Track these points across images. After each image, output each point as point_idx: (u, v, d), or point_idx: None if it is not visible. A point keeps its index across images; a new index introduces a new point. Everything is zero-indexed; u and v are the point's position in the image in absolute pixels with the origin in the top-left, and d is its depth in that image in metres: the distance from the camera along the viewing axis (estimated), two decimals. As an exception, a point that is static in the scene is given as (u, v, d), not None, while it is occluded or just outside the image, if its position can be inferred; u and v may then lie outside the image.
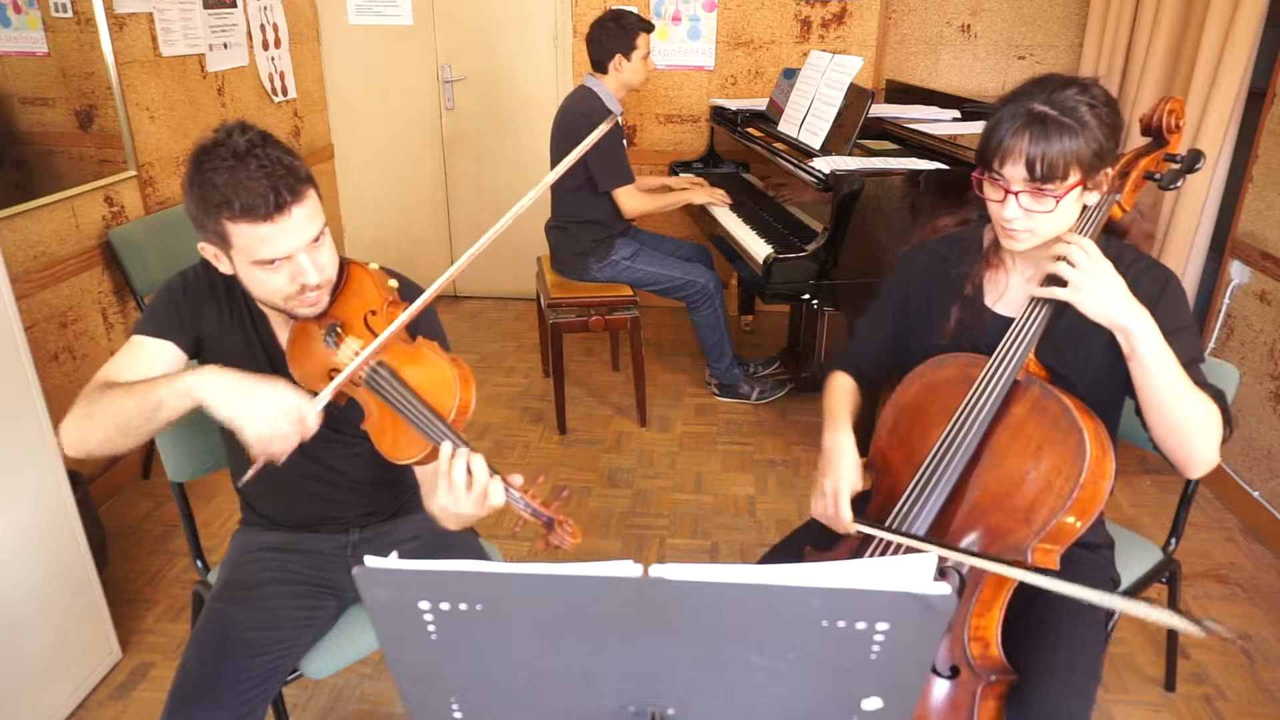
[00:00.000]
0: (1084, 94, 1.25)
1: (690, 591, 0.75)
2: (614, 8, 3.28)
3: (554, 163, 3.21)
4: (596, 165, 3.08)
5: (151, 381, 1.26)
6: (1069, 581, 1.37)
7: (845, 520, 1.34)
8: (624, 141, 3.18)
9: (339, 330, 1.33)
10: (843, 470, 1.38)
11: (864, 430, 3.16)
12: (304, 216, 1.24)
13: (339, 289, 1.35)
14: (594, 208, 3.15)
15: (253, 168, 1.19)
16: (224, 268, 1.32)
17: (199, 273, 1.44)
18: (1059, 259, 1.26)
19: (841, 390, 1.59)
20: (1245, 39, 2.72)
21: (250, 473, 1.23)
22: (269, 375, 1.24)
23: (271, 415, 1.19)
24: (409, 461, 1.26)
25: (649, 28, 3.12)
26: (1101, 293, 1.22)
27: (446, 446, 1.19)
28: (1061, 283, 1.26)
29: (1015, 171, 1.25)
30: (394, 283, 1.34)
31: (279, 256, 1.24)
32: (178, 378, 1.24)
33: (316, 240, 1.27)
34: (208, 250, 1.30)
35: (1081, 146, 1.23)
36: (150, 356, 1.38)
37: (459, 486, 1.17)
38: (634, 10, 3.17)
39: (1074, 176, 1.24)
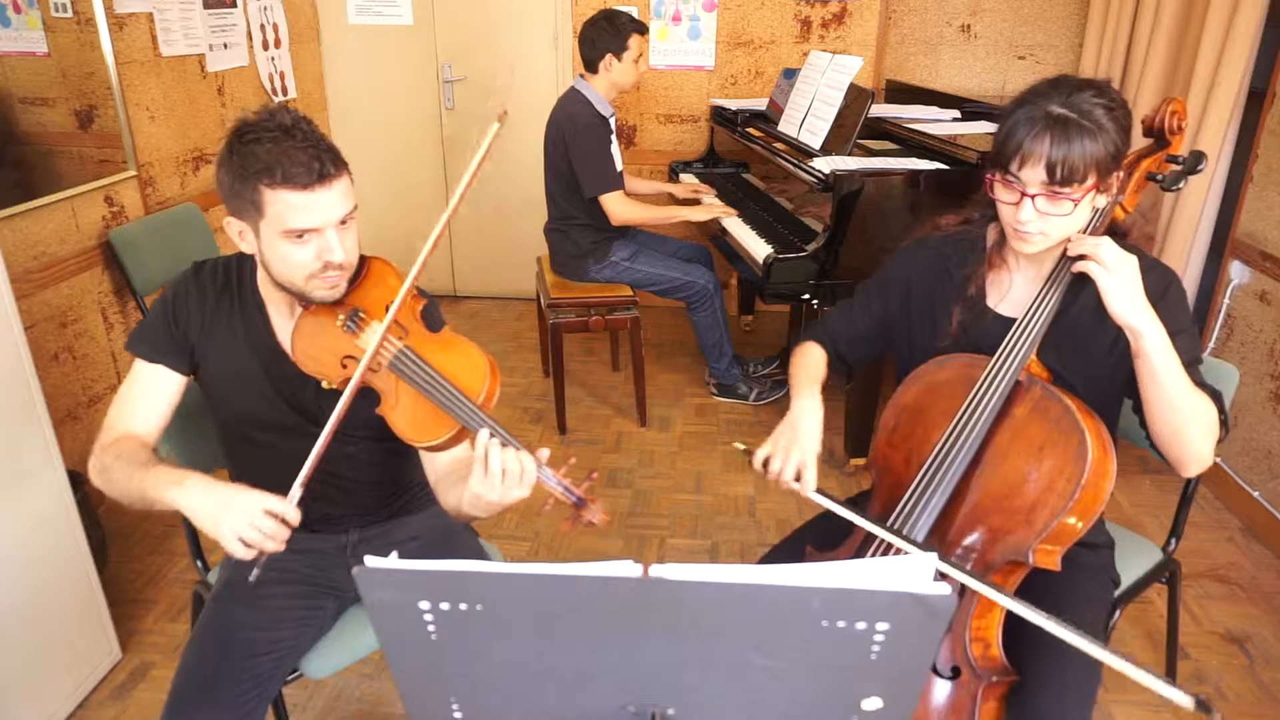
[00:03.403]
0: (1100, 96, 1.24)
1: (690, 591, 0.75)
2: (608, 7, 3.27)
3: (547, 167, 3.20)
4: (581, 169, 3.06)
5: (145, 477, 1.28)
6: (1069, 585, 1.39)
7: (809, 489, 1.34)
8: (613, 146, 3.13)
9: (362, 316, 1.35)
10: (809, 442, 1.38)
11: (864, 430, 3.16)
12: (340, 192, 1.28)
13: (359, 279, 1.38)
14: (590, 209, 3.14)
15: (298, 139, 1.24)
16: (246, 246, 1.34)
17: (189, 277, 1.45)
18: (1081, 257, 1.25)
19: (814, 361, 1.58)
20: (1245, 39, 2.72)
21: (253, 574, 1.22)
22: (245, 487, 1.23)
23: (244, 526, 1.18)
24: (433, 443, 1.27)
25: (643, 30, 3.08)
26: (1127, 288, 1.22)
27: (484, 433, 1.20)
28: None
29: (1034, 174, 1.24)
30: None
31: (310, 228, 1.26)
32: (164, 485, 1.25)
33: (345, 223, 1.30)
34: (233, 226, 1.32)
35: (1100, 149, 1.22)
36: (150, 385, 1.42)
37: (495, 471, 1.18)
38: (629, 11, 3.16)
39: (1090, 179, 1.24)
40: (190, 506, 1.23)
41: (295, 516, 1.22)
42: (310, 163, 1.23)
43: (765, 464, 1.39)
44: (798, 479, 1.36)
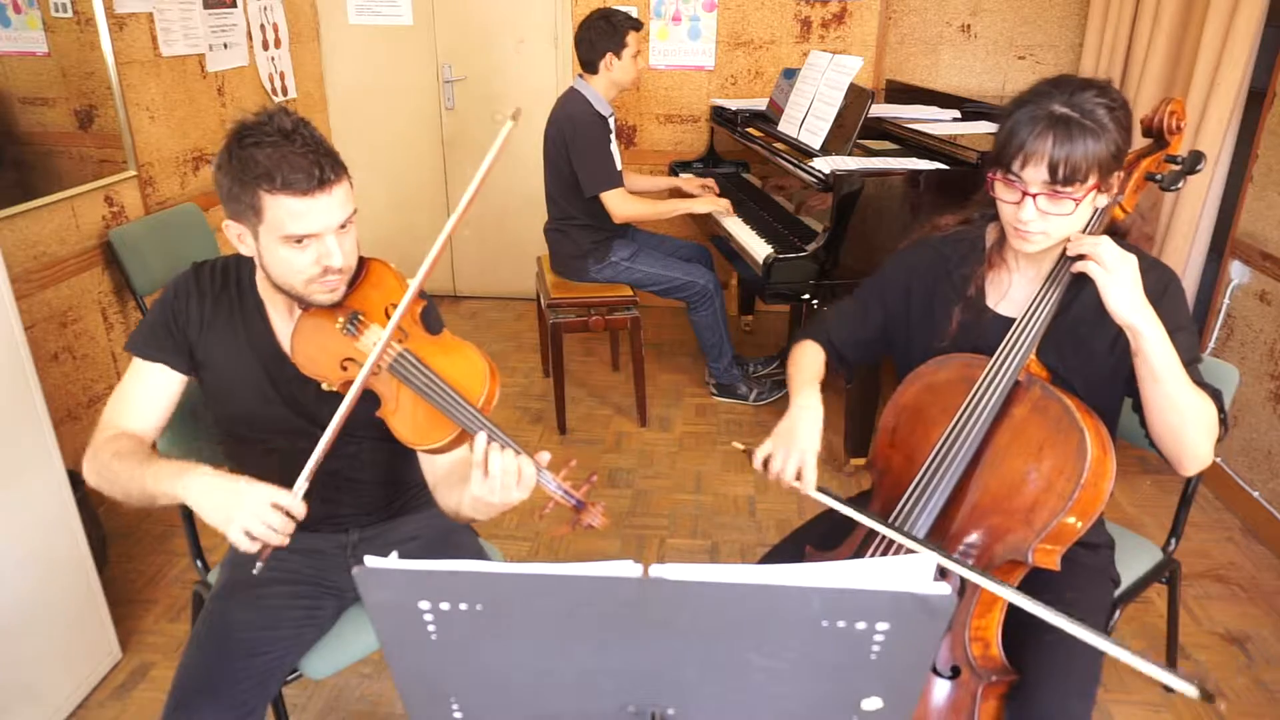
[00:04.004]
0: (1102, 96, 1.24)
1: (690, 591, 0.75)
2: (602, 7, 3.26)
3: (546, 167, 3.20)
4: (581, 169, 3.05)
5: (145, 472, 1.28)
6: (1068, 584, 1.38)
7: (810, 487, 1.34)
8: (611, 144, 3.13)
9: (361, 318, 1.35)
10: (809, 440, 1.37)
11: (864, 430, 3.15)
12: (340, 197, 1.28)
13: (358, 281, 1.38)
14: (589, 210, 3.13)
15: (297, 144, 1.23)
16: (246, 249, 1.33)
17: (189, 277, 1.45)
18: (1081, 256, 1.26)
19: (813, 360, 1.57)
20: (1245, 39, 2.72)
21: (257, 567, 1.22)
22: (252, 480, 1.22)
23: (251, 520, 1.17)
24: (433, 446, 1.27)
25: (638, 26, 3.08)
26: (1127, 287, 1.22)
27: (482, 438, 1.20)
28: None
29: (1036, 174, 1.24)
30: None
31: (309, 233, 1.26)
32: (170, 479, 1.25)
33: (344, 227, 1.30)
34: (232, 229, 1.32)
35: (1102, 149, 1.22)
36: (149, 383, 1.42)
37: (494, 475, 1.18)
38: (622, 9, 3.16)
39: (1092, 179, 1.24)
40: (196, 500, 1.22)
41: (300, 510, 1.21)
42: (310, 169, 1.22)
43: (766, 463, 1.38)
44: (798, 478, 1.35)
